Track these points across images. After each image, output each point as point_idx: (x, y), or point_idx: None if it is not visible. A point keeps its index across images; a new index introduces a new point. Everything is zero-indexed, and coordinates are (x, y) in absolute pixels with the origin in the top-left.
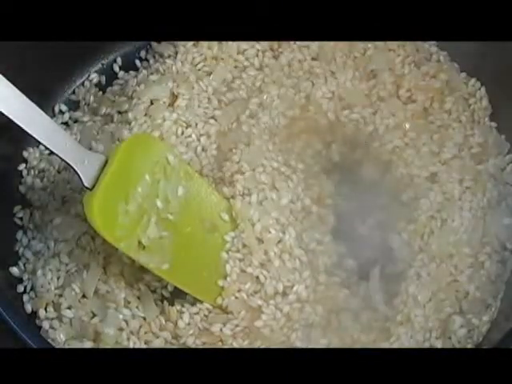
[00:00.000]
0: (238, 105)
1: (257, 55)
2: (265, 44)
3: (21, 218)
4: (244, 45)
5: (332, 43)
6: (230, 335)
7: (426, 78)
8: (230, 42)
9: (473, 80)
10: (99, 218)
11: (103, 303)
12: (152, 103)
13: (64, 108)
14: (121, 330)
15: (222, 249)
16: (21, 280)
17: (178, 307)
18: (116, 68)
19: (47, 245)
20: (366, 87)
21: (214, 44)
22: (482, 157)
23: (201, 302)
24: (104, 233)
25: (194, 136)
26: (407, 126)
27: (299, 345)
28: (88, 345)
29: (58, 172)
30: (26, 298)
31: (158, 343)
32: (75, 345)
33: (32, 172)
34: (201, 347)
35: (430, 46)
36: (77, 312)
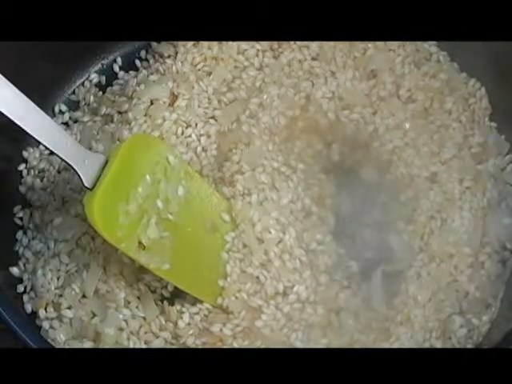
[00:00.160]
0: (238, 105)
1: (257, 55)
2: (265, 44)
3: (21, 218)
4: (244, 45)
5: (332, 43)
6: (230, 335)
7: (425, 78)
8: (230, 42)
9: (473, 80)
10: (99, 218)
11: (103, 303)
12: (152, 103)
13: (64, 108)
14: (121, 330)
15: (222, 249)
16: (21, 280)
17: (178, 307)
18: (116, 68)
19: (47, 245)
20: (366, 87)
21: (214, 44)
22: (481, 157)
23: (201, 302)
24: (104, 233)
25: (193, 136)
26: (407, 126)
27: (299, 345)
28: (88, 345)
29: (58, 172)
30: (26, 298)
31: (157, 343)
32: (75, 345)
33: (32, 172)
34: (201, 347)
35: (430, 46)
36: (77, 312)
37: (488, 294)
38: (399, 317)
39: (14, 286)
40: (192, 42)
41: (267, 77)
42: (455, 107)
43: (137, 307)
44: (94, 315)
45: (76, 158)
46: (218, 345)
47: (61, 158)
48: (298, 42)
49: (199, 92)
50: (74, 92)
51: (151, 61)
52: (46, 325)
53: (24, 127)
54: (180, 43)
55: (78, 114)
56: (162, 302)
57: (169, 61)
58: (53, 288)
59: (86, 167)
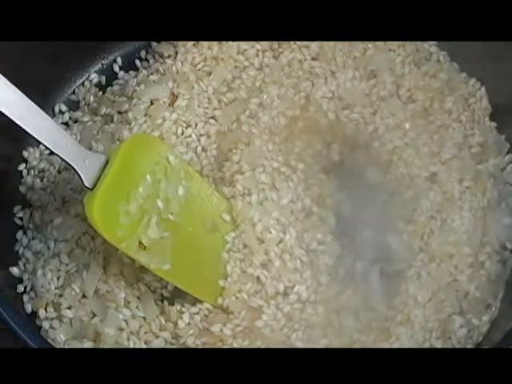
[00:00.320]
0: (238, 105)
1: (257, 55)
2: (265, 44)
3: (21, 218)
4: (244, 45)
5: (332, 43)
6: (230, 335)
7: (425, 78)
8: (230, 42)
9: (473, 80)
10: (100, 218)
11: (103, 303)
12: (152, 103)
13: (64, 108)
14: (121, 330)
15: (222, 249)
16: (21, 280)
17: (178, 307)
18: (116, 68)
19: (47, 245)
20: (366, 87)
21: (214, 44)
22: (481, 157)
23: (201, 302)
24: (105, 233)
25: (194, 136)
26: (407, 126)
27: (299, 345)
28: (88, 345)
29: (58, 172)
30: (26, 298)
31: (157, 343)
32: (75, 345)
33: (32, 172)
34: (201, 347)
35: (430, 46)
36: (77, 312)
37: (488, 294)
38: (399, 317)
39: (14, 286)
40: (192, 42)
41: (267, 77)
42: (455, 107)
43: (137, 307)
44: (94, 315)
45: (76, 158)
46: (218, 345)
47: (61, 158)
48: (298, 42)
49: (199, 92)
50: (74, 92)
51: (151, 61)
52: (45, 325)
53: (24, 127)
54: (180, 43)
55: (78, 113)
56: (162, 302)
57: (169, 61)
58: (53, 288)
59: (86, 167)
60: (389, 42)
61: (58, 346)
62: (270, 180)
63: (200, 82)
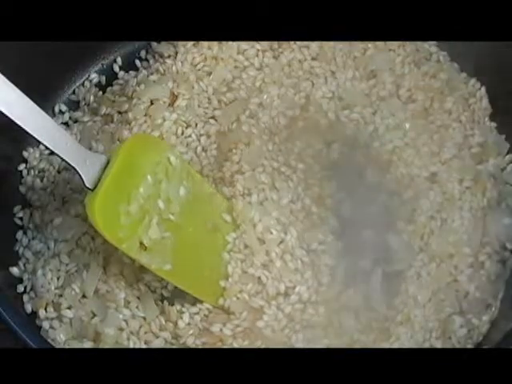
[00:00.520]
0: (238, 105)
1: (257, 55)
2: (265, 44)
3: (21, 218)
4: (244, 45)
5: (332, 43)
6: (230, 335)
7: (425, 78)
8: (230, 42)
9: (473, 80)
10: (101, 218)
11: (103, 303)
12: (152, 103)
13: (64, 108)
14: (121, 330)
15: (223, 249)
16: (21, 280)
17: (178, 307)
18: (116, 68)
19: (47, 245)
20: (366, 87)
21: (214, 44)
22: (481, 157)
23: (201, 301)
24: (106, 234)
25: (194, 136)
26: (407, 126)
27: (300, 345)
28: (88, 345)
29: (58, 172)
30: (26, 298)
31: (157, 343)
32: (75, 345)
33: (32, 172)
34: (201, 347)
35: (430, 46)
36: (77, 312)
37: (488, 294)
38: (399, 317)
39: (14, 286)
40: (192, 42)
41: (267, 77)
42: (455, 107)
43: (137, 307)
44: (94, 315)
45: (77, 158)
46: (218, 345)
47: (62, 159)
48: (298, 42)
49: (199, 92)
50: (74, 92)
51: (151, 61)
52: (46, 325)
53: (24, 127)
54: (180, 43)
55: (78, 114)
56: (162, 302)
57: (169, 61)
58: (53, 288)
59: (87, 167)
60: (389, 42)
61: (58, 346)
62: (270, 180)
63: (200, 82)
